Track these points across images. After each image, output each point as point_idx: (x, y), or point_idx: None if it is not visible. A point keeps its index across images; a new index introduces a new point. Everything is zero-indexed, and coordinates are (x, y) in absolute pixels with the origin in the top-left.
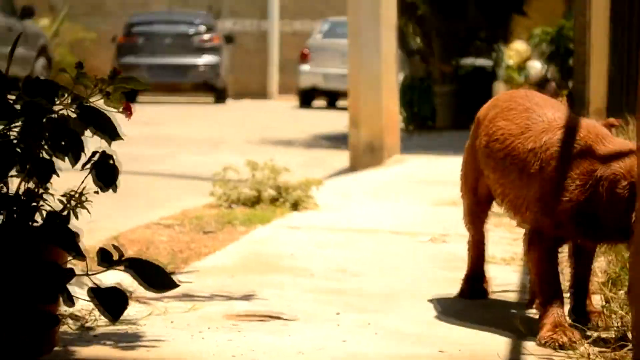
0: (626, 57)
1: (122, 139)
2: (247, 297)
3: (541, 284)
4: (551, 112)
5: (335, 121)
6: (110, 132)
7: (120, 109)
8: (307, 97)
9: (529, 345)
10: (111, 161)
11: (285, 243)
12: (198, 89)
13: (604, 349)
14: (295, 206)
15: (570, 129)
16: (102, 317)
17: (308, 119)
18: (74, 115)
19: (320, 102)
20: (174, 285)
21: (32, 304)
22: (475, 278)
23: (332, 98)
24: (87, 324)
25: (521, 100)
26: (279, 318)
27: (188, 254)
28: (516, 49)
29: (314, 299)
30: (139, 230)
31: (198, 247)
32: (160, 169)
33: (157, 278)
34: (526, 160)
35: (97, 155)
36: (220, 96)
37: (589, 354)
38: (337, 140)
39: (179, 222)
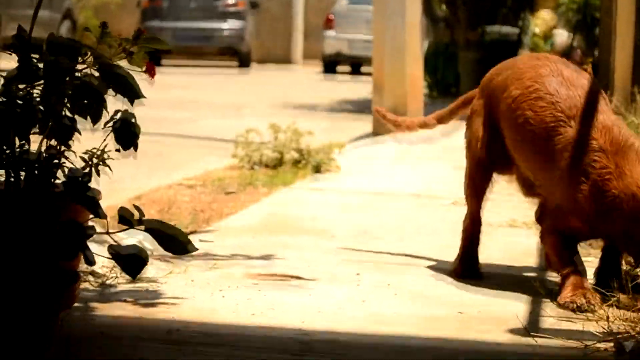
0: None
1: (144, 97)
2: (267, 257)
3: (560, 264)
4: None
5: (359, 87)
6: (131, 92)
7: (144, 69)
8: (331, 64)
9: (549, 307)
10: (133, 121)
11: (306, 205)
12: (222, 53)
13: (623, 311)
14: (317, 169)
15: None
16: (123, 274)
17: (332, 85)
18: (96, 74)
19: (344, 68)
20: (192, 249)
21: (53, 261)
22: (470, 258)
23: (357, 64)
24: (108, 281)
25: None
26: (298, 278)
27: (209, 214)
28: (543, 17)
29: (334, 260)
30: (161, 190)
31: (219, 208)
32: (184, 131)
33: (176, 241)
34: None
35: (118, 115)
36: (244, 61)
37: (607, 317)
38: (361, 106)
39: (201, 183)
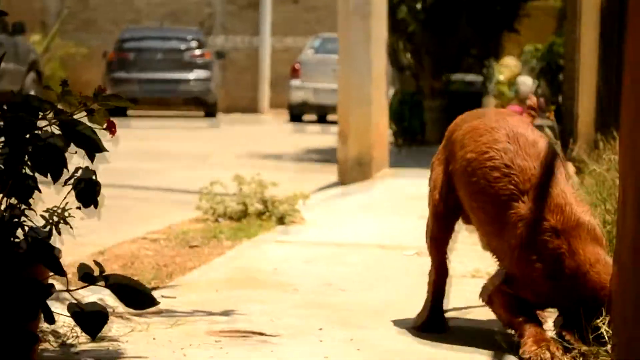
0: (615, 74)
1: (106, 150)
2: (230, 313)
3: (515, 318)
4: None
5: (325, 136)
6: (93, 147)
7: (104, 127)
8: (297, 112)
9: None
10: (93, 177)
11: (270, 258)
12: (189, 103)
13: None
14: (281, 220)
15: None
16: (83, 333)
17: (298, 133)
18: (57, 132)
19: (311, 117)
20: (153, 303)
21: (11, 322)
22: (435, 311)
23: (323, 113)
24: (69, 341)
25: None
26: (261, 334)
27: (173, 268)
28: (507, 65)
29: (297, 314)
30: (124, 245)
31: (183, 262)
32: (149, 183)
33: (136, 296)
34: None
35: (79, 172)
36: (210, 111)
37: None
38: (327, 154)
39: (165, 237)
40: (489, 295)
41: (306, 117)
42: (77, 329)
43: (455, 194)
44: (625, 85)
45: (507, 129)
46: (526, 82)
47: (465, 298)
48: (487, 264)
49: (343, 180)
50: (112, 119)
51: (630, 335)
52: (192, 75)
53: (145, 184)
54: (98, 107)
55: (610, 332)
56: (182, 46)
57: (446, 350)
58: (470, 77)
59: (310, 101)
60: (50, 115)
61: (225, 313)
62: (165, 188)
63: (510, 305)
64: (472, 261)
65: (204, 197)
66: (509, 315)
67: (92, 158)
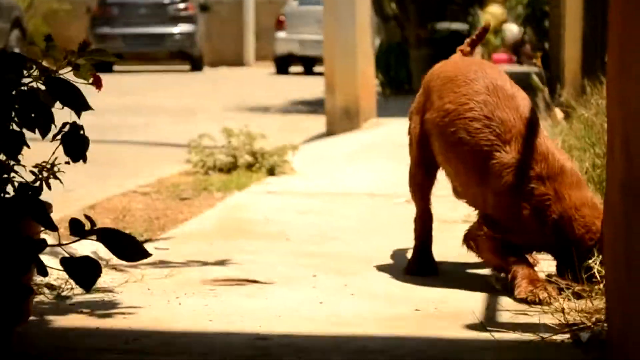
0: (600, 19)
1: (91, 109)
2: (223, 263)
3: (506, 261)
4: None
5: (311, 87)
6: (78, 104)
7: (90, 81)
8: (283, 64)
9: (504, 301)
10: (81, 132)
11: (262, 208)
12: (174, 57)
13: (579, 302)
14: (271, 171)
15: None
16: (77, 287)
17: (285, 85)
18: (43, 88)
19: (296, 68)
20: (146, 254)
21: (4, 276)
22: (424, 255)
23: (309, 64)
24: (63, 293)
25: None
26: (255, 282)
27: (164, 221)
28: (492, 12)
29: (290, 262)
30: (115, 199)
31: (174, 214)
32: (137, 138)
33: (129, 248)
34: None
35: (66, 127)
36: (196, 64)
37: (563, 309)
38: (314, 105)
39: (155, 190)
40: (475, 241)
41: (292, 68)
42: (72, 282)
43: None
44: (611, 29)
45: (487, 80)
46: (512, 30)
47: (457, 244)
48: None
49: (331, 131)
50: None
51: (620, 275)
52: (177, 29)
53: (133, 138)
54: (83, 62)
55: (603, 271)
56: (166, 0)
57: (439, 293)
58: (456, 26)
59: (295, 53)
60: (36, 72)
61: (219, 263)
62: (153, 142)
63: (499, 249)
64: (463, 207)
65: (194, 150)
66: (499, 258)
67: (78, 114)
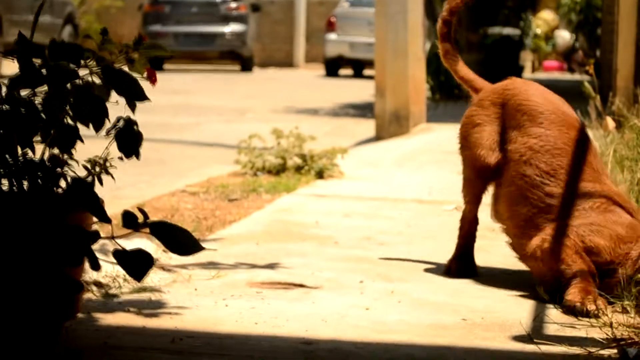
0: None
1: (147, 99)
2: (271, 265)
3: (569, 268)
4: None
5: (361, 90)
6: (136, 94)
7: (144, 76)
8: (333, 66)
9: (552, 313)
10: (135, 128)
11: (310, 211)
12: (225, 57)
13: (627, 317)
14: (320, 174)
15: None
16: (126, 283)
17: (334, 88)
18: (98, 82)
19: (346, 71)
20: (199, 248)
21: (57, 268)
22: (465, 257)
23: (359, 67)
24: (111, 291)
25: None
26: (302, 286)
27: (213, 221)
28: (544, 18)
29: (338, 267)
30: (164, 198)
31: (223, 215)
32: (187, 137)
33: (182, 241)
34: None
35: (121, 122)
36: (246, 65)
37: (611, 323)
38: (363, 109)
39: (204, 190)
40: (547, 250)
41: (342, 71)
42: (119, 279)
43: (500, 159)
44: None
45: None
46: (563, 36)
47: (504, 252)
48: None
49: (380, 135)
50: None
51: None
52: (228, 28)
53: (182, 137)
54: (138, 56)
55: None
56: None
57: (486, 302)
58: (507, 31)
59: (346, 55)
60: (92, 63)
61: (267, 266)
62: (202, 142)
63: (572, 256)
64: None
65: (243, 151)
66: (565, 264)
67: (133, 107)
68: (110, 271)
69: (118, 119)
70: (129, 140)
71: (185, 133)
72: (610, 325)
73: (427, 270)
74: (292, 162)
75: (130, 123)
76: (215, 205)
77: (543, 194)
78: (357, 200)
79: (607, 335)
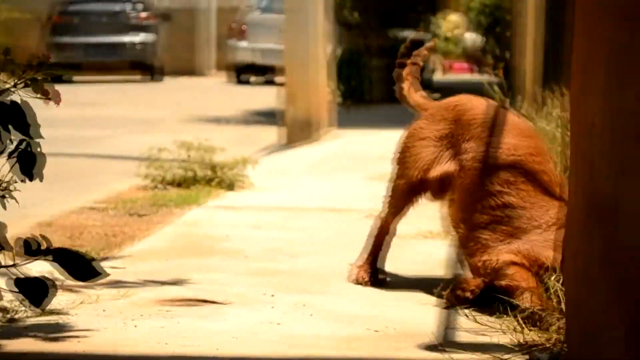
0: (562, 29)
1: (42, 137)
2: (180, 282)
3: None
4: None
5: (272, 97)
6: (27, 130)
7: (47, 97)
8: (243, 73)
9: (463, 321)
10: (37, 150)
11: (220, 224)
12: (135, 67)
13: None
14: (230, 186)
15: None
16: (32, 307)
17: (245, 95)
18: None
19: (257, 78)
20: (100, 274)
21: None
22: (375, 265)
23: (270, 74)
24: (17, 316)
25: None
26: (212, 302)
27: (122, 238)
28: (452, 21)
29: (248, 281)
30: (71, 216)
31: (132, 231)
32: (96, 150)
33: (82, 268)
34: None
35: (23, 144)
36: (157, 74)
37: (522, 329)
38: (273, 117)
39: (112, 206)
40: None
41: (253, 78)
42: (26, 303)
43: (450, 172)
44: (575, 45)
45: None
46: (472, 39)
47: (414, 259)
48: (436, 225)
49: (290, 142)
50: (56, 85)
51: (580, 292)
52: (138, 38)
53: (91, 151)
54: (41, 76)
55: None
56: (127, 8)
57: (399, 312)
58: (418, 35)
59: (257, 62)
60: None
61: (176, 282)
62: (111, 155)
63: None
64: (421, 222)
65: (151, 164)
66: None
67: (30, 136)
68: (14, 296)
69: (20, 142)
70: (31, 162)
71: (95, 146)
72: (522, 332)
73: (338, 280)
74: (202, 174)
75: (31, 145)
76: (124, 221)
77: (500, 203)
78: (267, 211)
79: (518, 341)
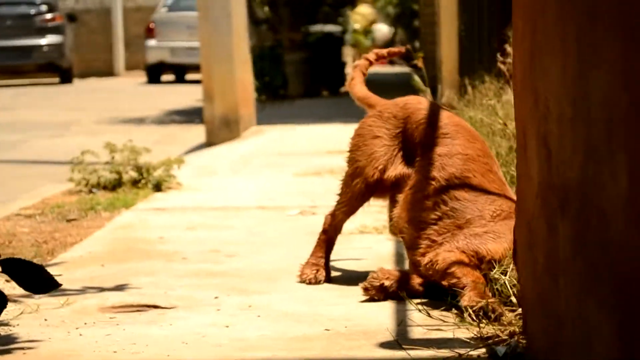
0: (477, 16)
1: None
2: (120, 287)
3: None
4: None
5: (185, 95)
6: None
7: None
8: (155, 73)
9: (416, 317)
10: None
11: (152, 227)
12: (43, 70)
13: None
14: (158, 187)
15: None
16: None
17: (158, 95)
18: None
19: (168, 77)
20: (55, 284)
21: None
22: (322, 263)
23: (181, 72)
24: None
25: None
26: (156, 307)
27: (53, 244)
28: (361, 13)
29: (190, 284)
30: None
31: (63, 237)
32: (13, 155)
33: (36, 278)
34: None
35: None
36: (66, 76)
37: (479, 322)
38: (190, 115)
39: (39, 212)
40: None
41: (164, 77)
42: None
43: (403, 173)
44: (517, 23)
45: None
46: (382, 30)
47: (356, 254)
48: (374, 219)
49: (211, 141)
50: None
51: (541, 285)
52: (45, 40)
53: (8, 156)
54: None
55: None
56: (32, 11)
57: (347, 310)
58: (329, 28)
59: (167, 61)
60: None
61: (116, 287)
62: (30, 160)
63: (463, 269)
64: (357, 218)
65: (76, 168)
66: (456, 278)
67: None
68: None
69: None
70: None
71: (11, 152)
72: (478, 325)
73: (281, 279)
74: (128, 176)
75: None
76: (54, 227)
77: (448, 198)
78: (198, 212)
79: (475, 335)
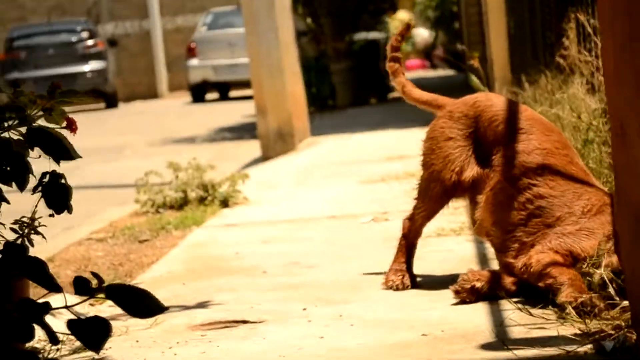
0: (527, 11)
1: (79, 157)
2: (204, 304)
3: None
4: None
5: (231, 112)
6: (63, 154)
7: (64, 125)
8: (199, 92)
9: (513, 316)
10: (62, 181)
11: (226, 242)
12: (88, 96)
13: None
14: (225, 203)
15: None
16: (62, 345)
17: (204, 113)
18: (15, 138)
19: (212, 95)
20: (162, 308)
21: (7, 345)
22: (406, 268)
23: (224, 90)
24: (50, 355)
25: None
26: (245, 322)
27: (129, 266)
28: (400, 18)
29: (274, 297)
30: (71, 249)
31: (138, 258)
32: (73, 182)
33: (142, 303)
34: None
35: (47, 177)
36: (111, 101)
37: (580, 316)
38: (239, 131)
39: (110, 235)
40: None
41: (208, 95)
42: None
43: (480, 173)
44: (603, 17)
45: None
46: (422, 34)
47: (438, 258)
48: (448, 222)
49: (267, 155)
50: None
51: None
52: (88, 67)
53: (70, 182)
54: (54, 105)
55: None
56: (73, 38)
57: (440, 313)
58: (373, 35)
59: (210, 79)
60: (15, 122)
61: (201, 305)
62: (86, 185)
63: (559, 269)
64: (431, 221)
65: (142, 189)
66: (552, 278)
67: (57, 160)
68: (41, 335)
69: (44, 175)
70: (58, 195)
71: (70, 178)
72: (583, 321)
73: (365, 287)
74: (194, 194)
75: (56, 177)
76: (127, 248)
77: (532, 196)
78: (270, 225)
79: (580, 331)
